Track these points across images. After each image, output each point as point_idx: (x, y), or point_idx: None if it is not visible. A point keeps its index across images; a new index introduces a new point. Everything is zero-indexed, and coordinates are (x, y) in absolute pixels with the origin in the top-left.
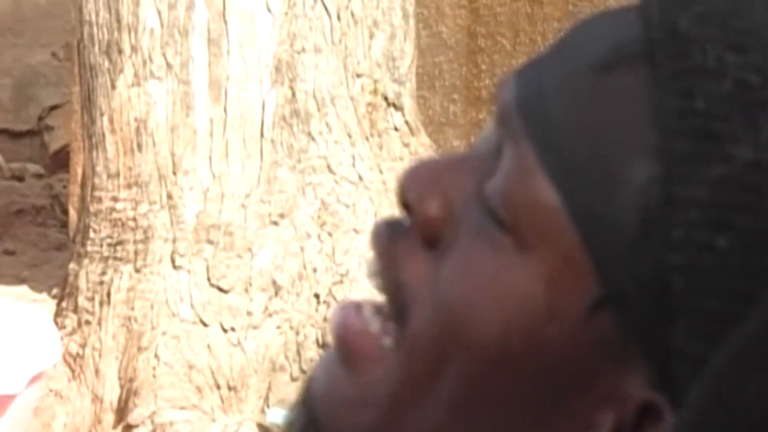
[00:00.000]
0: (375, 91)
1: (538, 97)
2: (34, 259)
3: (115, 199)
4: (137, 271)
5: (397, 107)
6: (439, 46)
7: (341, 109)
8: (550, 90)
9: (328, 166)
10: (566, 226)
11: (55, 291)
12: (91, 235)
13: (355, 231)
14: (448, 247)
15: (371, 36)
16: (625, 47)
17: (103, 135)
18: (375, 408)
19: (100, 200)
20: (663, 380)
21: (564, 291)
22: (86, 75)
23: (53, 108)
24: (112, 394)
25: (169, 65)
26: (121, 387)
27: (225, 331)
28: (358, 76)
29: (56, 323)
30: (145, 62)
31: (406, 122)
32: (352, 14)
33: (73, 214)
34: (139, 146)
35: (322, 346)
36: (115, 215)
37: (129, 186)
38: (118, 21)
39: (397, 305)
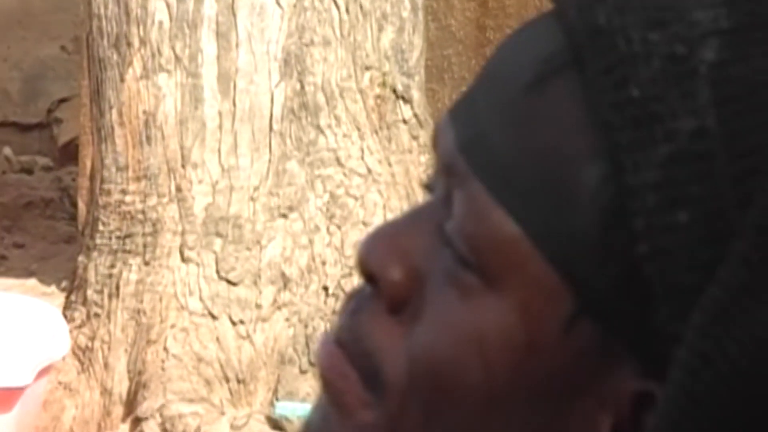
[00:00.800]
0: (384, 84)
1: (477, 134)
2: (43, 252)
3: (124, 192)
4: (146, 263)
5: (406, 100)
6: (448, 39)
7: (350, 102)
8: (488, 124)
9: (337, 159)
10: (530, 253)
11: (64, 284)
12: (100, 227)
13: (364, 224)
14: (417, 307)
15: (380, 29)
16: (551, 59)
17: (112, 128)
18: None
19: (109, 193)
20: (653, 367)
21: (540, 315)
22: (95, 68)
23: (62, 101)
24: (121, 386)
25: (178, 58)
26: (130, 380)
27: (234, 323)
28: (367, 68)
29: (65, 316)
30: (154, 55)
31: (415, 115)
32: (361, 7)
33: (82, 207)
34: (148, 139)
35: None
36: (123, 208)
37: (138, 179)
38: (127, 14)
39: (369, 374)
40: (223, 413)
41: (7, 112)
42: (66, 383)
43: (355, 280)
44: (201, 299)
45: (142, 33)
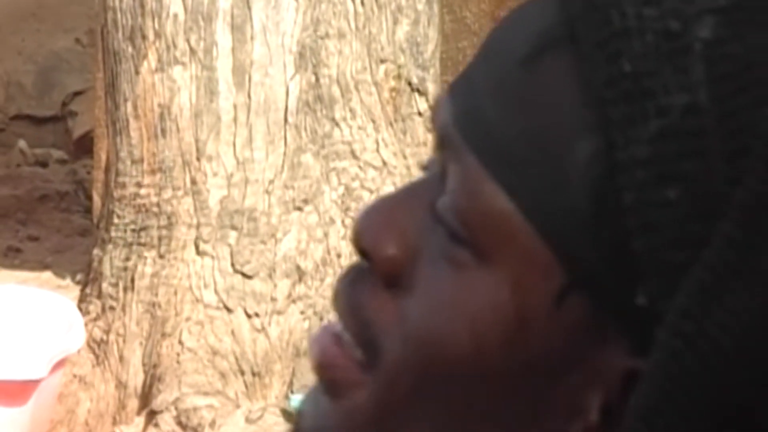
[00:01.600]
0: (399, 77)
1: (473, 108)
2: (58, 245)
3: (138, 185)
4: (161, 256)
5: (421, 92)
6: (463, 31)
7: (365, 95)
8: (484, 98)
9: (352, 152)
10: (522, 226)
11: (79, 277)
12: (115, 220)
13: None
14: (411, 281)
15: (395, 21)
16: (546, 33)
17: (127, 121)
18: None
19: (123, 186)
20: (643, 345)
21: (531, 290)
22: (110, 61)
23: (77, 94)
24: (136, 380)
25: (192, 51)
26: (145, 373)
27: (249, 316)
28: (382, 61)
29: (80, 309)
30: (168, 48)
31: (430, 107)
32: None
33: (96, 199)
34: (163, 132)
35: None
36: (138, 201)
37: (153, 172)
38: (142, 6)
39: (366, 342)
40: (238, 406)
41: (21, 105)
42: (81, 376)
43: None
44: (216, 292)
45: (156, 26)
